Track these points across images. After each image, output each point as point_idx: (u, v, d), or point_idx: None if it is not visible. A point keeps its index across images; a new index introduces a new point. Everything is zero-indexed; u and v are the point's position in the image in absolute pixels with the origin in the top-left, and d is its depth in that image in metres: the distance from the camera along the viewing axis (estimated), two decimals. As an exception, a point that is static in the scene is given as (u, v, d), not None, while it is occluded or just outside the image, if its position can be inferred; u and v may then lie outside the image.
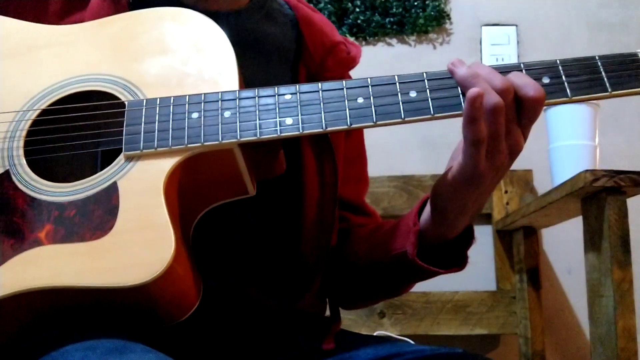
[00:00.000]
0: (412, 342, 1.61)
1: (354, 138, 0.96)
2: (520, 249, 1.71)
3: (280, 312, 0.83)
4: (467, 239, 0.77)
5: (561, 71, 0.67)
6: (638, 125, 1.84)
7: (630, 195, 1.20)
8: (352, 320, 1.69)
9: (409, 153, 1.87)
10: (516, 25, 1.92)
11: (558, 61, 0.67)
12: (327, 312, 0.94)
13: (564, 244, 1.80)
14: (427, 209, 0.76)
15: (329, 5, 1.90)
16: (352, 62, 0.91)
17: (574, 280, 1.81)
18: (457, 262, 0.77)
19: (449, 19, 1.93)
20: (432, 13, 1.90)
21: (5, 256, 0.61)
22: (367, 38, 1.92)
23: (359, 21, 1.91)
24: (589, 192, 1.20)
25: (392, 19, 1.91)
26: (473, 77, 0.65)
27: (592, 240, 1.21)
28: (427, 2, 1.91)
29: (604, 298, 1.17)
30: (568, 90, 0.67)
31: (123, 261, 0.60)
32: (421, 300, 1.72)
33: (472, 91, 0.62)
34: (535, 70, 0.67)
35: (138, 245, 0.61)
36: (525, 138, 0.67)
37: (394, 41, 1.93)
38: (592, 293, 1.22)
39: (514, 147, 0.66)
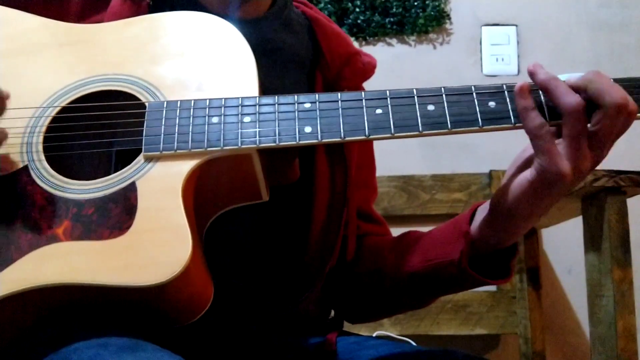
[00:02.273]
0: (412, 342, 1.61)
1: (364, 146, 0.96)
2: (520, 248, 1.71)
3: (282, 315, 0.83)
4: (512, 251, 0.74)
5: None
6: (638, 125, 1.83)
7: (630, 195, 1.20)
8: (352, 320, 1.69)
9: (409, 153, 1.87)
10: (516, 25, 1.92)
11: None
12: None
13: (564, 244, 1.80)
14: (479, 217, 0.74)
15: (329, 5, 1.90)
16: (368, 72, 0.92)
17: (574, 280, 1.81)
18: (500, 272, 0.75)
19: (449, 19, 1.93)
20: (432, 13, 1.90)
21: (22, 251, 0.62)
22: (367, 38, 1.92)
23: (359, 21, 1.91)
24: (589, 192, 1.20)
25: (392, 19, 1.91)
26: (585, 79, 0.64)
27: (592, 240, 1.21)
28: (427, 2, 1.91)
29: (604, 298, 1.17)
30: None
31: (140, 261, 0.60)
32: (421, 300, 1.72)
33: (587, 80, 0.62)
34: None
35: (155, 245, 0.61)
36: (608, 151, 0.66)
37: (394, 41, 1.93)
38: (592, 293, 1.22)
39: (600, 158, 0.65)
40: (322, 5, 1.89)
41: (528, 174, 0.66)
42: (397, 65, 1.89)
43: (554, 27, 1.93)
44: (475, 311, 1.72)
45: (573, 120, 0.62)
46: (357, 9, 1.90)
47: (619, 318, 1.14)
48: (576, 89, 0.64)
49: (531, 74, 0.66)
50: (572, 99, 0.62)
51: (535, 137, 0.63)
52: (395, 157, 1.86)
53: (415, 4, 1.90)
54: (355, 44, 1.91)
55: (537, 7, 1.93)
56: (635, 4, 1.93)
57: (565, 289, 1.83)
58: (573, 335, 1.81)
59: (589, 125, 0.63)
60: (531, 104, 0.64)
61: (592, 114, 0.63)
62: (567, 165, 0.62)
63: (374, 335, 1.66)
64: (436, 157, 1.86)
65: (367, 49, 1.91)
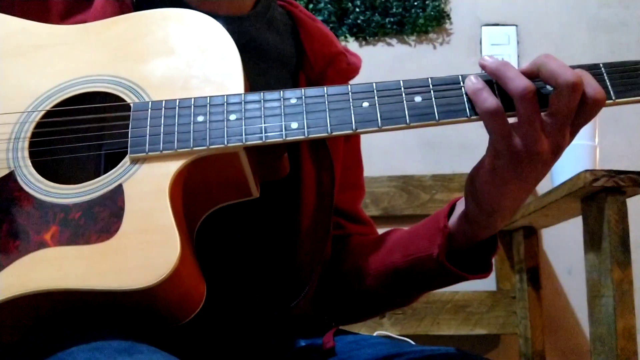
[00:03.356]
0: (412, 342, 1.61)
1: (351, 145, 0.96)
2: (520, 249, 1.71)
3: (277, 315, 0.83)
4: (491, 246, 0.75)
5: None
6: (638, 125, 1.83)
7: (630, 195, 1.20)
8: (352, 320, 1.69)
9: (409, 153, 1.87)
10: (516, 25, 1.92)
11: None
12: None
13: (564, 244, 1.80)
14: (457, 210, 0.74)
15: (328, 5, 1.90)
16: (352, 72, 0.92)
17: (574, 280, 1.81)
18: (480, 268, 0.75)
19: (449, 19, 1.93)
20: (432, 13, 1.90)
21: (11, 258, 0.61)
22: (367, 38, 1.92)
23: (359, 21, 1.91)
24: (588, 192, 1.20)
25: (392, 19, 1.91)
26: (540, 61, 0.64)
27: (592, 240, 1.21)
28: (427, 2, 1.91)
29: (604, 298, 1.17)
30: None
31: (129, 264, 0.60)
32: (421, 300, 1.71)
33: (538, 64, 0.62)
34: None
35: (144, 247, 0.61)
36: (573, 137, 0.65)
37: (394, 41, 1.93)
38: (592, 293, 1.22)
39: (560, 142, 0.64)
40: (322, 5, 1.89)
41: (487, 158, 0.66)
42: (397, 65, 1.89)
43: (554, 27, 1.93)
44: (475, 311, 1.72)
45: (523, 103, 0.62)
46: (357, 9, 1.90)
47: (619, 318, 1.14)
48: (529, 73, 0.64)
49: (482, 66, 0.66)
50: (520, 83, 0.62)
51: (486, 117, 0.63)
52: (395, 157, 1.86)
53: (415, 4, 1.90)
54: (355, 44, 1.92)
55: (537, 7, 1.93)
56: (635, 4, 1.93)
57: (565, 289, 1.83)
58: (573, 335, 1.81)
59: (546, 110, 0.63)
60: (480, 84, 0.64)
61: (549, 97, 0.63)
62: (519, 146, 0.62)
63: (374, 335, 1.66)
64: (436, 157, 1.86)
65: (367, 49, 1.91)
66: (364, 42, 1.92)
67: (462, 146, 1.84)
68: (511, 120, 0.64)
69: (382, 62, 1.89)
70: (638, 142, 1.83)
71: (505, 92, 0.63)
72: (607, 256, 1.16)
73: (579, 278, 1.58)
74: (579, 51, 1.90)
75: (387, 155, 1.84)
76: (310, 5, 1.90)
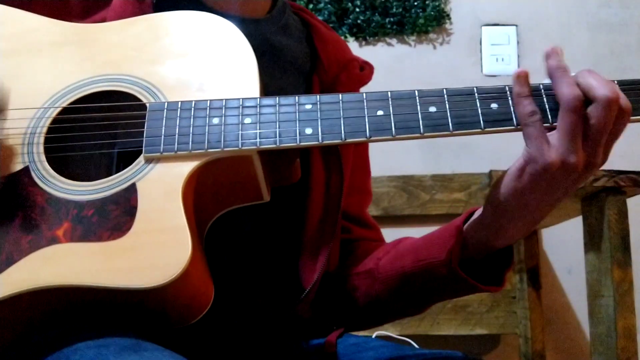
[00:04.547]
0: (412, 342, 1.62)
1: (360, 150, 0.96)
2: (520, 249, 1.71)
3: (280, 316, 0.82)
4: (506, 261, 0.74)
5: None
6: (638, 125, 1.83)
7: (630, 195, 1.20)
8: (352, 320, 1.69)
9: (409, 153, 1.87)
10: (516, 25, 1.92)
11: None
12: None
13: (564, 244, 1.80)
14: (474, 218, 0.73)
15: (328, 5, 1.90)
16: (365, 78, 0.92)
17: (574, 280, 1.81)
18: (492, 281, 0.74)
19: (449, 19, 1.93)
20: (432, 13, 1.90)
21: (23, 252, 0.61)
22: (367, 38, 1.92)
23: (359, 21, 1.90)
24: (589, 192, 1.20)
25: (392, 19, 1.91)
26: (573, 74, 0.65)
27: (592, 240, 1.21)
28: (427, 2, 1.91)
29: (604, 298, 1.17)
30: None
31: (140, 263, 0.60)
32: (421, 300, 1.72)
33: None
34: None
35: (155, 247, 0.61)
36: (606, 156, 0.65)
37: (394, 41, 1.93)
38: (592, 293, 1.22)
39: (593, 157, 0.64)
40: (322, 5, 1.89)
41: (517, 163, 0.65)
42: (397, 65, 1.89)
43: (554, 27, 1.93)
44: (475, 311, 1.72)
45: (568, 111, 0.62)
46: (357, 9, 1.90)
47: (619, 318, 1.14)
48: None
49: (546, 56, 0.66)
50: (571, 90, 0.62)
51: (525, 124, 0.64)
52: (395, 157, 1.86)
53: (415, 4, 1.90)
54: (355, 44, 1.92)
55: (537, 7, 1.93)
56: (635, 4, 1.93)
57: (565, 289, 1.83)
58: (573, 335, 1.81)
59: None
60: (526, 91, 0.64)
61: (587, 110, 0.63)
62: (554, 155, 0.62)
63: (374, 335, 1.66)
64: (436, 157, 1.86)
65: (367, 49, 1.91)
66: (364, 42, 1.92)
67: (462, 146, 1.84)
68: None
69: (382, 62, 1.89)
70: (638, 142, 1.83)
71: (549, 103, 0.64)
72: (607, 256, 1.16)
73: (579, 278, 1.58)
74: (579, 51, 1.90)
75: (387, 155, 1.84)
76: (310, 5, 1.90)
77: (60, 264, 0.61)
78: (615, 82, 0.66)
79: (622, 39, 1.90)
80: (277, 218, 0.84)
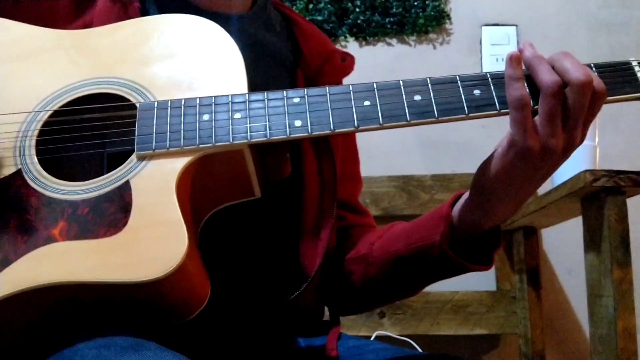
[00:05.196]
0: (412, 342, 1.62)
1: (348, 139, 0.98)
2: (520, 249, 1.71)
3: (279, 309, 0.83)
4: (494, 242, 0.76)
5: None
6: (638, 125, 1.83)
7: (630, 195, 1.20)
8: (351, 321, 1.69)
9: (409, 153, 1.87)
10: (516, 25, 1.92)
11: None
12: (326, 315, 0.94)
13: (564, 244, 1.81)
14: (461, 201, 0.75)
15: (328, 5, 1.90)
16: (347, 69, 0.94)
17: (574, 280, 1.81)
18: (482, 261, 0.76)
19: (449, 19, 1.93)
20: (432, 13, 1.91)
21: (20, 252, 0.62)
22: (367, 38, 1.92)
23: (359, 21, 1.91)
24: (588, 192, 1.20)
25: (392, 19, 1.91)
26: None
27: (592, 240, 1.21)
28: (427, 2, 1.91)
29: (604, 298, 1.17)
30: None
31: (137, 257, 0.61)
32: (421, 300, 1.72)
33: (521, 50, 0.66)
34: None
35: (151, 241, 0.61)
36: (584, 136, 0.67)
37: (394, 41, 1.93)
38: (592, 293, 1.22)
39: (572, 139, 0.65)
40: (322, 5, 1.89)
41: (500, 147, 0.67)
42: (397, 65, 1.89)
43: (554, 27, 1.93)
44: (475, 311, 1.72)
45: (549, 97, 0.64)
46: (357, 9, 1.90)
47: (619, 318, 1.14)
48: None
49: (520, 51, 0.68)
50: (550, 77, 0.64)
51: (513, 107, 0.65)
52: (395, 157, 1.86)
53: (415, 4, 1.90)
54: (355, 44, 1.92)
55: (537, 7, 1.93)
56: (635, 4, 1.93)
57: (565, 289, 1.83)
58: (573, 335, 1.81)
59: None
60: (518, 74, 0.65)
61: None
62: (535, 139, 0.64)
63: (374, 335, 1.66)
64: (436, 157, 1.86)
65: (367, 49, 1.91)
66: (364, 42, 1.92)
67: (462, 146, 1.84)
68: None
69: (382, 62, 1.89)
70: (638, 142, 1.83)
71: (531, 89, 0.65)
72: (607, 256, 1.16)
73: (579, 278, 1.58)
74: (579, 51, 1.89)
75: (387, 155, 1.84)
76: (310, 5, 1.90)
77: (58, 262, 0.61)
78: (592, 65, 0.68)
79: (622, 39, 1.91)
80: (271, 210, 0.84)
